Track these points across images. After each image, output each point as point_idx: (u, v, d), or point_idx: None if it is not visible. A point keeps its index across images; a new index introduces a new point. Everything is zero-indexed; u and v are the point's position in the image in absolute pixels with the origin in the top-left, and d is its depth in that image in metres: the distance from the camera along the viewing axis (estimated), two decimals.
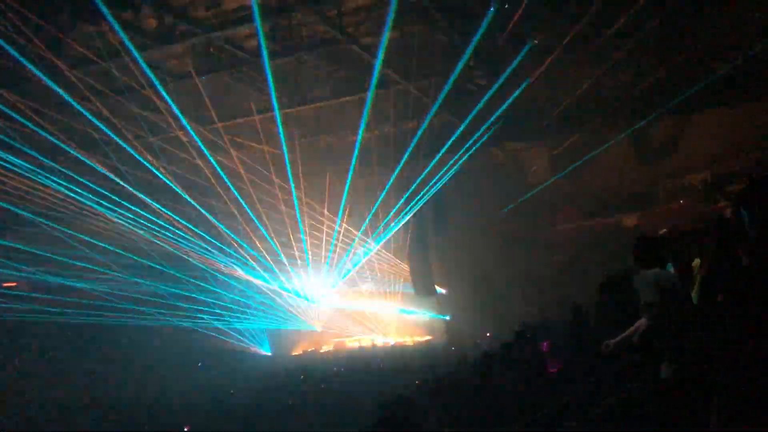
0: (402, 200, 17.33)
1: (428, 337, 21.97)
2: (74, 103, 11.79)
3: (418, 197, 17.14)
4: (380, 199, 17.03)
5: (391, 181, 16.19)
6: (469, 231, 18.22)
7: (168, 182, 14.92)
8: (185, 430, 13.54)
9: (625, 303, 6.21)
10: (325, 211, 17.83)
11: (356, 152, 14.81)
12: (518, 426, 5.65)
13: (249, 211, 16.94)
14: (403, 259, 19.94)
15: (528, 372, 7.91)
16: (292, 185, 15.78)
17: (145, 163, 14.36)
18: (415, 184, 16.71)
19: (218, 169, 15.16)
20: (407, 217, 18.05)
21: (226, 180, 15.58)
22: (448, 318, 20.92)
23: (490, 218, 17.87)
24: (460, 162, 15.55)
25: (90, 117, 12.41)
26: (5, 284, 17.69)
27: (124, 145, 13.70)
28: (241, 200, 16.35)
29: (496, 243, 18.10)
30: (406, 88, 13.63)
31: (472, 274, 19.19)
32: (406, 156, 15.28)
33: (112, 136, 13.06)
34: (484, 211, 17.83)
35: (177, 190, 15.31)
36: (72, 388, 17.76)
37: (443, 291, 20.63)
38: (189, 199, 15.76)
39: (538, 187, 17.04)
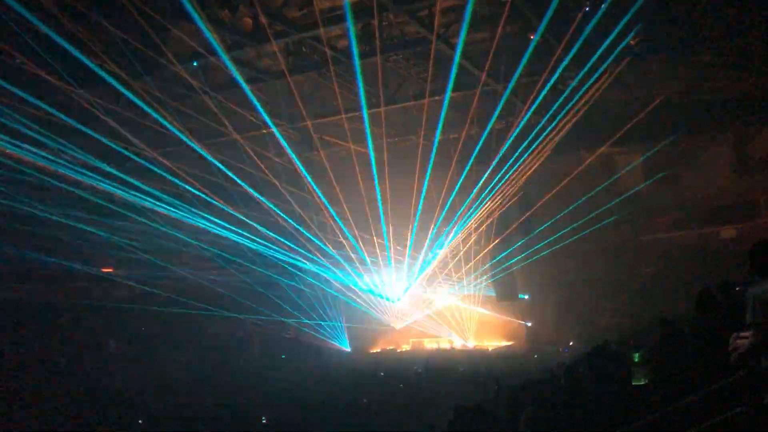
0: (486, 202, 17.10)
1: (508, 343, 21.61)
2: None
3: (504, 200, 16.88)
4: (467, 201, 16.87)
5: (481, 181, 15.98)
6: (556, 236, 17.73)
7: (246, 185, 15.37)
8: (263, 420, 13.85)
9: (724, 318, 5.83)
10: (410, 210, 17.83)
11: (434, 153, 14.75)
12: None
13: (332, 210, 17.23)
14: (486, 262, 19.67)
15: (613, 385, 7.60)
16: (377, 184, 15.87)
17: (215, 166, 14.76)
18: (497, 186, 16.45)
19: (301, 167, 15.47)
20: (492, 220, 17.82)
21: (309, 178, 15.89)
22: (529, 324, 20.50)
23: (578, 224, 17.33)
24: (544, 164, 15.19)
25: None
26: (105, 269, 18.66)
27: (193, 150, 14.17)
28: (323, 199, 16.64)
29: (584, 249, 17.53)
30: (495, 89, 13.42)
31: (556, 281, 18.71)
32: (498, 156, 15.03)
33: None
34: (571, 217, 17.31)
35: (253, 193, 15.70)
36: (158, 373, 18.53)
37: (526, 296, 20.22)
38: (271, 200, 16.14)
39: (629, 193, 16.39)
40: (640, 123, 14.05)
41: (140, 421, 14.72)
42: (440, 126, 13.89)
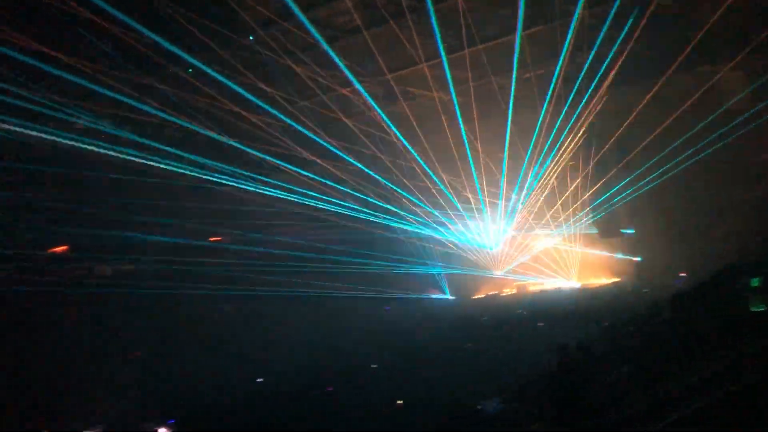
0: (582, 137, 16.52)
1: (616, 280, 21.02)
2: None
3: (601, 132, 16.24)
4: (561, 138, 16.35)
5: (575, 115, 15.41)
6: (660, 167, 16.85)
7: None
8: (372, 366, 14.32)
9: None
10: (503, 155, 17.48)
11: (513, 91, 14.33)
12: (709, 370, 5.21)
13: (422, 162, 17.22)
14: (585, 199, 19.08)
15: (728, 313, 7.27)
16: (463, 131, 15.68)
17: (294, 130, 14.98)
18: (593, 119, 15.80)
19: (387, 120, 15.50)
20: (590, 155, 17.23)
21: (396, 131, 15.91)
22: (638, 259, 19.82)
23: (683, 152, 16.34)
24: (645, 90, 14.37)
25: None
26: (212, 238, 19.60)
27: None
28: (413, 151, 16.63)
29: (690, 178, 16.58)
30: (582, 17, 12.75)
31: (663, 212, 17.88)
32: (593, 85, 14.40)
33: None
34: (676, 145, 16.34)
35: (336, 153, 15.89)
36: (271, 331, 19.41)
37: (630, 232, 19.51)
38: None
39: (737, 116, 15.24)
40: (748, 38, 12.99)
41: (259, 380, 15.54)
42: (515, 64, 13.45)
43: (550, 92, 14.72)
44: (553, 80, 14.33)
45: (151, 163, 14.31)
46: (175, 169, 14.76)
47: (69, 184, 15.54)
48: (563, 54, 13.49)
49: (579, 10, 12.05)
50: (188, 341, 17.68)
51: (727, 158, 16.02)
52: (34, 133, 12.46)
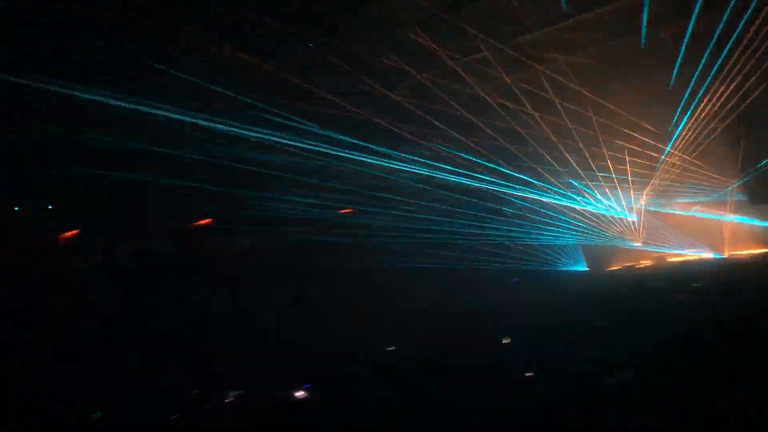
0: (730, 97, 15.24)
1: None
2: None
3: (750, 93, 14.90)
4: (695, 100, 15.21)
5: (710, 77, 14.26)
6: None
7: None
8: (503, 341, 14.26)
9: None
10: (644, 123, 16.56)
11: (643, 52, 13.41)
12: None
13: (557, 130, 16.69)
14: (734, 163, 17.66)
15: None
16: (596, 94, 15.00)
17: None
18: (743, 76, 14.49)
19: (516, 87, 15.11)
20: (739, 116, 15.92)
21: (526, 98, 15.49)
22: None
23: None
24: None
25: None
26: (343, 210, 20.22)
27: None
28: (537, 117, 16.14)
29: None
30: None
31: None
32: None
33: None
34: None
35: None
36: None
37: None
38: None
39: None
40: None
41: (389, 348, 15.94)
42: (644, 22, 12.58)
43: (681, 54, 13.72)
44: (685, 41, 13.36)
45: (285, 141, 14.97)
46: (304, 145, 15.34)
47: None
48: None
49: None
50: (320, 309, 18.45)
51: None
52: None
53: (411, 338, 16.25)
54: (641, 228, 21.33)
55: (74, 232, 17.38)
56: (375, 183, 18.09)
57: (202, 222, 18.85)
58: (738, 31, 13.05)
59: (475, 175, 17.70)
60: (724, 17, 12.59)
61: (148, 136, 13.93)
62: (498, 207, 19.37)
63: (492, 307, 18.52)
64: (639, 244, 21.86)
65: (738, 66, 14.21)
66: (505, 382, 11.17)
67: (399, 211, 19.18)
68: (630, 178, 19.11)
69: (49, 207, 16.87)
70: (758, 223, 19.27)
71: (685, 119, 16.10)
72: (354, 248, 19.69)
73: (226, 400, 14.09)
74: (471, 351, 14.07)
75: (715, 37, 13.12)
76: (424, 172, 17.29)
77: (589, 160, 18.15)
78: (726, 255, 20.32)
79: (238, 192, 16.62)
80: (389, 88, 14.92)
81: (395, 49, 14.07)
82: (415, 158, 17.11)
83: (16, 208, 16.49)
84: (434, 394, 11.49)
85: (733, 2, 12.09)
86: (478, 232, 19.86)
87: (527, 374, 11.35)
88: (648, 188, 19.57)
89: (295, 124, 14.83)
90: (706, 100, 15.37)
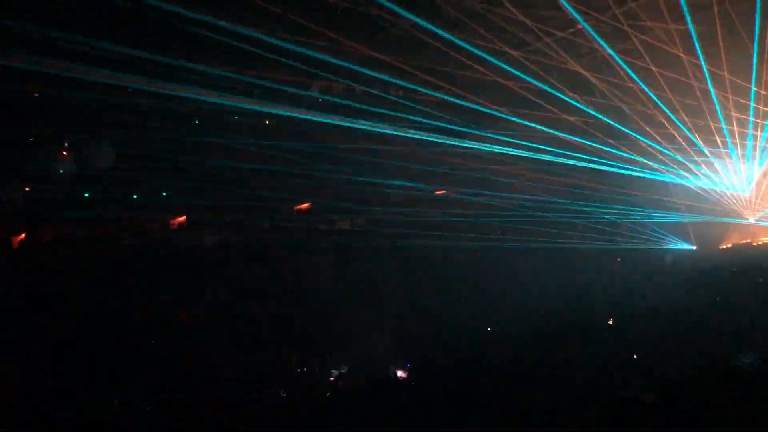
0: None
1: None
2: None
3: None
4: None
5: None
6: None
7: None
8: (609, 322, 13.92)
9: None
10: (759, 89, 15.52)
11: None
12: None
13: (660, 103, 15.97)
14: None
15: None
16: (704, 63, 14.17)
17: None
18: None
19: (618, 57, 14.57)
20: None
21: (628, 69, 14.90)
22: None
23: None
24: None
25: None
26: (438, 191, 20.25)
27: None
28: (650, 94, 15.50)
29: None
30: None
31: None
32: None
33: None
34: None
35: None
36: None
37: None
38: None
39: None
40: None
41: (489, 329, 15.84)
42: None
43: None
44: None
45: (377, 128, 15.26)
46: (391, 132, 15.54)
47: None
48: None
49: None
50: (422, 289, 18.58)
51: None
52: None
53: (514, 318, 16.11)
54: (758, 202, 20.05)
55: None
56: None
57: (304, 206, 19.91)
58: None
59: (576, 155, 17.33)
60: None
61: None
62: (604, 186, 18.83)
63: (595, 287, 18.06)
64: (754, 219, 20.63)
65: None
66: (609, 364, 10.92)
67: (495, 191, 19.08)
68: (743, 149, 18.06)
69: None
70: None
71: None
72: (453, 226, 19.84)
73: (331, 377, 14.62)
74: (578, 333, 13.71)
75: None
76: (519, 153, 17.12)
77: (697, 133, 17.31)
78: None
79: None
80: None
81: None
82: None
83: None
84: (530, 374, 11.30)
85: None
86: (583, 209, 19.41)
87: (634, 356, 11.05)
88: (764, 157, 18.38)
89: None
90: None
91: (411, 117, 15.78)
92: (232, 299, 16.49)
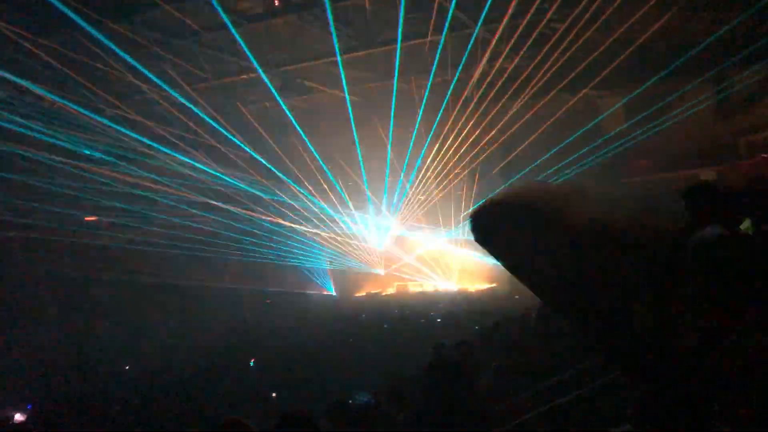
0: (467, 146, 17.28)
1: (492, 285, 22.00)
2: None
3: (486, 144, 17.04)
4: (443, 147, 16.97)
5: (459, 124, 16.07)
6: (537, 180, 17.79)
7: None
8: (251, 363, 14.14)
9: None
10: (406, 157, 17.97)
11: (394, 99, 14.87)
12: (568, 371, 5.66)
13: (317, 155, 17.34)
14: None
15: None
16: (354, 130, 16.02)
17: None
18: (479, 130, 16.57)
19: (287, 110, 15.53)
20: (474, 164, 18.04)
21: (294, 122, 15.96)
22: None
23: (559, 167, 17.32)
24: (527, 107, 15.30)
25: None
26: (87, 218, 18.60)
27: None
28: (308, 143, 16.73)
29: None
30: (478, 32, 13.29)
31: None
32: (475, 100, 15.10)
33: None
34: (553, 160, 17.31)
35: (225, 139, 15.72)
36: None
37: None
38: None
39: (610, 135, 16.47)
40: (622, 66, 14.01)
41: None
42: (396, 73, 13.96)
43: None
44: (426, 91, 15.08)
45: None
46: None
47: None
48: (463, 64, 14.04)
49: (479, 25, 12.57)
50: None
51: (600, 180, 17.21)
52: None
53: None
54: (388, 257, 22.98)
55: None
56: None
57: None
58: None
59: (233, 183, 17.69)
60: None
61: None
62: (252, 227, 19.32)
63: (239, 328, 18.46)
64: (383, 272, 23.48)
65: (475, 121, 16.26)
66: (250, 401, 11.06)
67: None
68: (380, 210, 20.53)
69: None
70: (487, 261, 21.81)
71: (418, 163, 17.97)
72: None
73: None
74: (218, 373, 13.65)
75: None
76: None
77: (347, 190, 19.17)
78: (458, 288, 22.65)
79: None
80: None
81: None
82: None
83: None
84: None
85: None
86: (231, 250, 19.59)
87: (272, 394, 11.41)
88: (397, 220, 21.19)
89: None
90: (450, 149, 17.26)
91: None
92: None
